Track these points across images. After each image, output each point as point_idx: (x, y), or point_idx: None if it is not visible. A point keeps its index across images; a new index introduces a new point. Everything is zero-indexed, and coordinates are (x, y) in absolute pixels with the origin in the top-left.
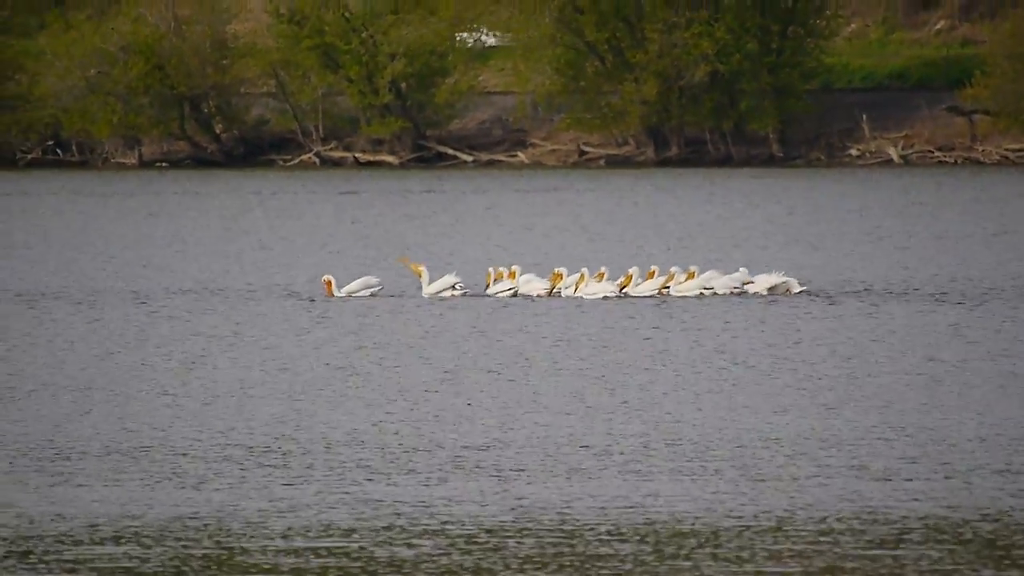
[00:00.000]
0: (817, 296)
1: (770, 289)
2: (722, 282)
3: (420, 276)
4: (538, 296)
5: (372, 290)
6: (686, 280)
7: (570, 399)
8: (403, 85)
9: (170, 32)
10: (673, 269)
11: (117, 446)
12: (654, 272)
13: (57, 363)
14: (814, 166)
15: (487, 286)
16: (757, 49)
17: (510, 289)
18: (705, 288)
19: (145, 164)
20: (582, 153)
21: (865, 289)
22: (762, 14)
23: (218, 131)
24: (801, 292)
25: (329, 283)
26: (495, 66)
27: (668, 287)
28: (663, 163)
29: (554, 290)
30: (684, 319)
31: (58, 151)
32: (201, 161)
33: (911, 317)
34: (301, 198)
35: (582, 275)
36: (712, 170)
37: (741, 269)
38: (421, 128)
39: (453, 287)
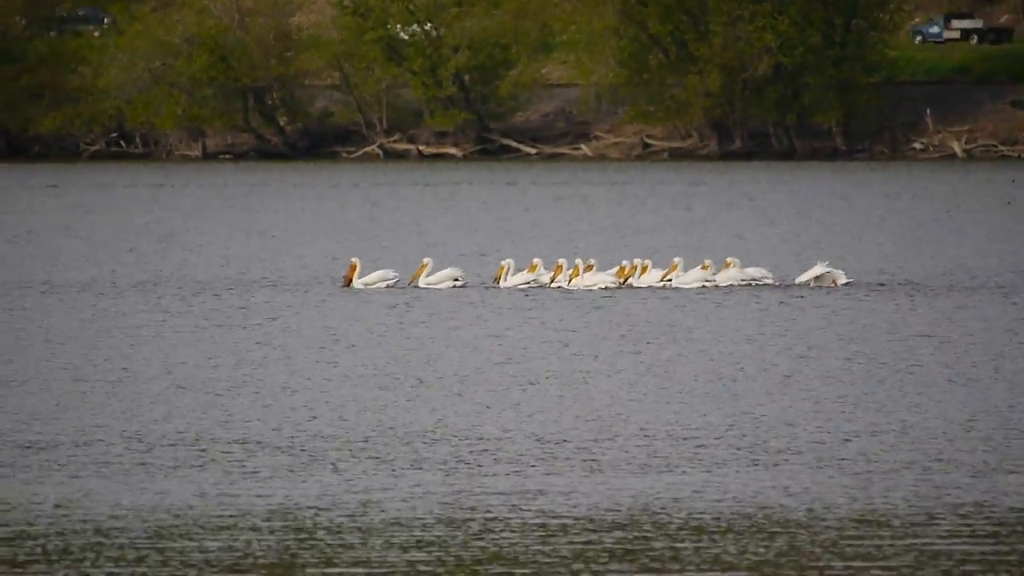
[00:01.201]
0: (862, 288)
1: (816, 280)
2: (727, 275)
3: (423, 268)
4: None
5: (388, 282)
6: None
7: (656, 390)
8: (466, 77)
9: (234, 24)
10: (676, 260)
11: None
12: (646, 266)
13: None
14: (877, 159)
15: (496, 279)
16: (820, 42)
17: (529, 282)
18: (707, 280)
19: (209, 156)
20: (646, 146)
21: (907, 281)
22: (825, 7)
23: (282, 123)
24: (847, 283)
25: (354, 267)
26: (559, 58)
27: (670, 279)
28: (726, 156)
29: (554, 282)
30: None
31: (122, 143)
32: (265, 153)
33: (966, 311)
34: (401, 189)
35: (576, 268)
36: (775, 163)
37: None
38: (485, 120)
39: (455, 280)
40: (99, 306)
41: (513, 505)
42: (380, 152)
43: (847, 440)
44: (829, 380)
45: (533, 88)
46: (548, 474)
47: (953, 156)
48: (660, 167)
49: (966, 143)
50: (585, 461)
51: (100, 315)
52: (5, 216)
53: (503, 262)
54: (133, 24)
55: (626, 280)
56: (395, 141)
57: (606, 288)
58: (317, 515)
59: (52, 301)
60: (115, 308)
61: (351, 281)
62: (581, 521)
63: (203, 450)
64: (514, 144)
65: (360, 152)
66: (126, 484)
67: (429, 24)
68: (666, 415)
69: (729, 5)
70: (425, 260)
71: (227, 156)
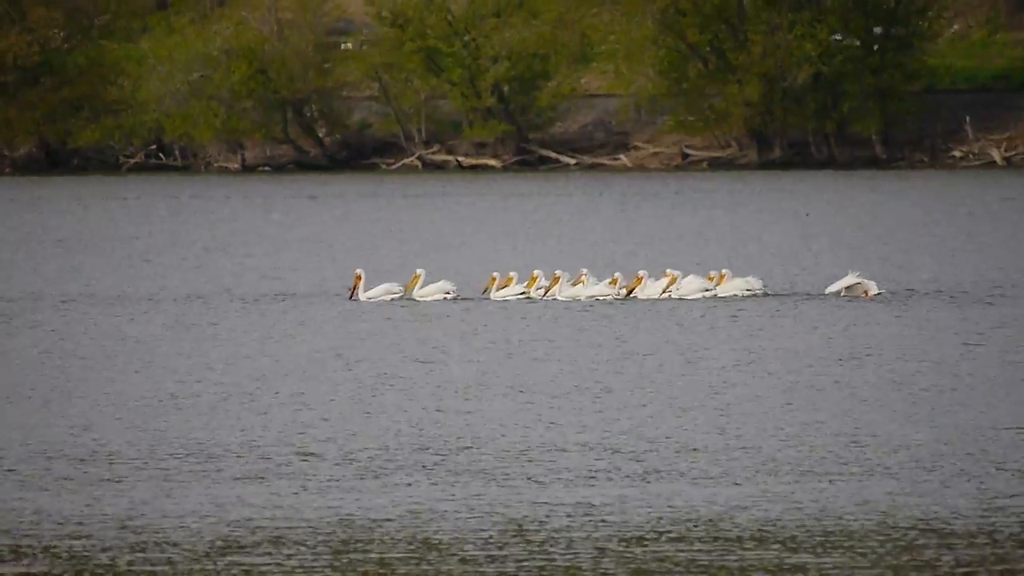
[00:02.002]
0: (893, 298)
1: (847, 290)
2: (733, 285)
3: (416, 280)
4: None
5: (393, 296)
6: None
7: (699, 400)
8: (505, 88)
9: (273, 36)
10: (673, 273)
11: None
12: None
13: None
14: (917, 168)
15: (485, 289)
16: (860, 51)
17: (522, 294)
18: (706, 291)
19: (248, 168)
20: (685, 156)
21: (939, 290)
22: (865, 15)
23: (321, 135)
24: (878, 294)
25: (359, 277)
26: (598, 68)
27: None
28: (766, 165)
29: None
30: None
31: (161, 155)
32: (304, 165)
33: (997, 320)
34: (438, 200)
35: (556, 277)
36: (815, 172)
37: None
38: (524, 131)
39: (446, 293)
40: (143, 318)
41: (569, 516)
42: (419, 163)
43: (899, 449)
44: (876, 389)
45: (572, 99)
46: (595, 484)
47: (993, 164)
48: (699, 177)
49: (1006, 151)
50: (637, 472)
51: (147, 327)
52: (50, 228)
53: (493, 273)
54: (171, 36)
55: (630, 292)
56: (434, 152)
57: (601, 299)
58: (373, 528)
59: (98, 313)
60: (160, 320)
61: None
62: (638, 532)
63: (249, 461)
64: (553, 155)
65: (399, 164)
66: (186, 495)
67: (468, 35)
68: (713, 425)
69: (768, 14)
70: (417, 271)
71: (266, 168)
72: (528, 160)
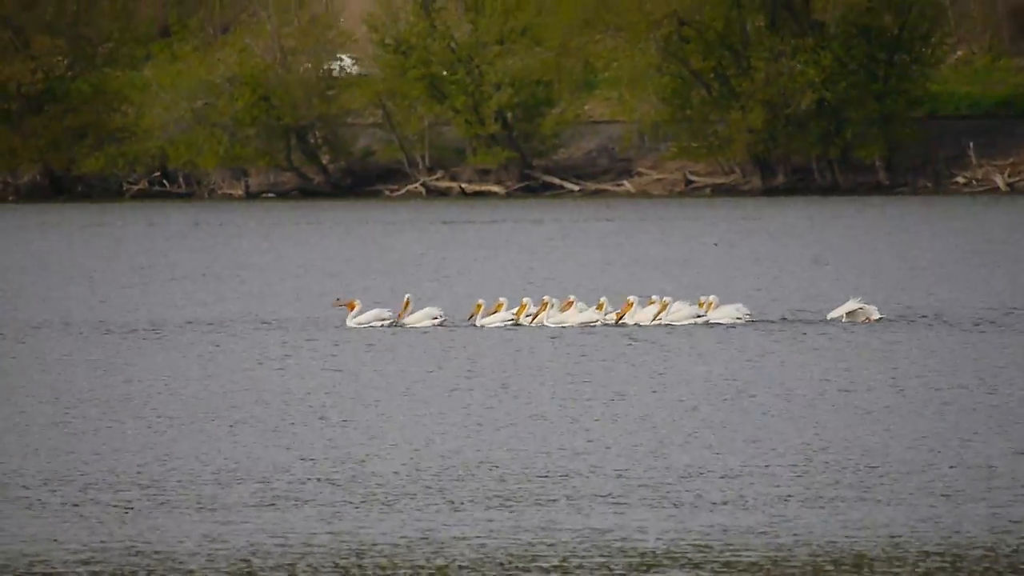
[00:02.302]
0: (894, 323)
1: (849, 315)
2: (723, 311)
3: (352, 309)
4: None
5: (384, 322)
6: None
7: (715, 425)
8: (509, 115)
9: (276, 63)
10: (664, 299)
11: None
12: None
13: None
14: (921, 194)
15: (471, 316)
16: (863, 77)
17: (510, 320)
18: (697, 317)
19: (251, 195)
20: (688, 182)
21: (941, 316)
22: (868, 42)
23: (325, 162)
24: (879, 319)
25: (352, 305)
26: (601, 95)
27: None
28: (769, 192)
29: (520, 320)
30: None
31: (164, 182)
32: (308, 192)
33: (999, 347)
34: (441, 227)
35: (544, 303)
36: (819, 198)
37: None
38: (527, 158)
39: (434, 318)
40: (147, 345)
41: (586, 540)
42: (423, 190)
43: (911, 475)
44: (883, 413)
45: (575, 125)
46: (620, 510)
47: (996, 190)
48: (702, 203)
49: (1009, 176)
50: (655, 497)
51: (152, 354)
52: (58, 256)
53: (479, 300)
54: (175, 63)
55: (620, 318)
56: (438, 179)
57: (591, 325)
58: (395, 553)
59: (112, 340)
60: (174, 347)
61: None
62: (658, 557)
63: (270, 486)
64: (557, 181)
65: (403, 190)
66: (197, 521)
67: (471, 62)
68: (729, 450)
69: (771, 40)
70: (407, 296)
71: (270, 195)
72: (532, 186)
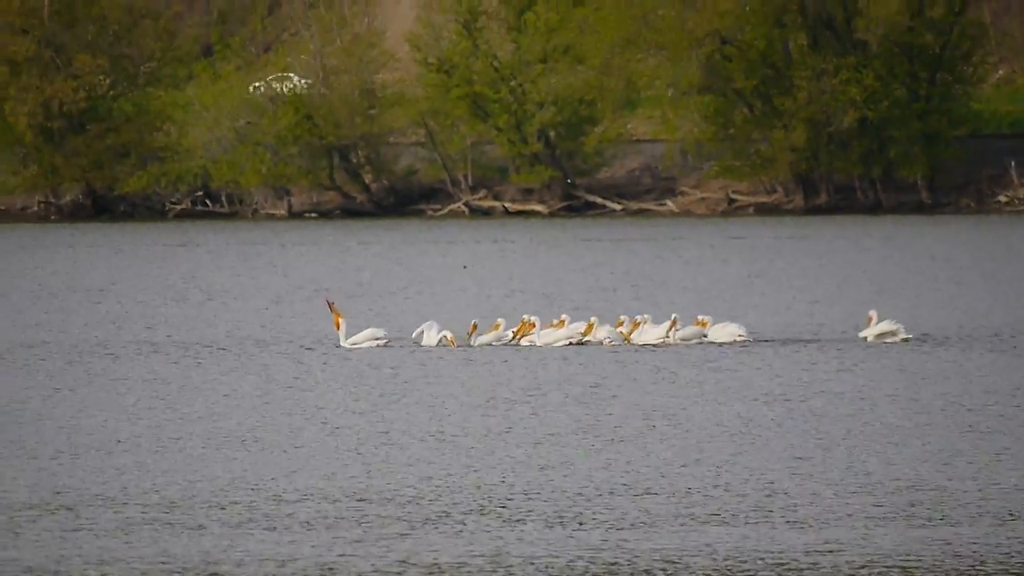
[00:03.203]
0: (922, 343)
1: (878, 336)
2: (727, 331)
3: (338, 326)
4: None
5: (378, 342)
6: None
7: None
8: (552, 134)
9: (319, 82)
10: (643, 317)
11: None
12: (636, 322)
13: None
14: (963, 213)
15: (469, 335)
16: (905, 95)
17: (502, 339)
18: (703, 336)
19: (294, 215)
20: (731, 201)
21: (967, 336)
22: (910, 61)
23: (367, 181)
24: (906, 339)
25: (337, 323)
26: (643, 114)
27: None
28: (812, 210)
29: (520, 338)
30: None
31: (207, 202)
32: (350, 211)
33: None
34: (485, 246)
35: (528, 322)
36: (861, 217)
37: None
38: (570, 177)
39: (377, 339)
40: (192, 364)
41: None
42: (465, 209)
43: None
44: (917, 433)
45: (618, 144)
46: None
47: None
48: (745, 222)
49: None
50: (689, 515)
51: (195, 372)
52: (97, 274)
53: (474, 321)
54: (217, 83)
55: (629, 336)
56: (480, 198)
57: (569, 343)
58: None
59: (159, 360)
60: (209, 365)
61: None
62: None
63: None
64: (600, 200)
65: (445, 209)
66: (251, 541)
67: (514, 80)
68: (769, 469)
69: (814, 59)
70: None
71: (312, 215)
72: (574, 206)
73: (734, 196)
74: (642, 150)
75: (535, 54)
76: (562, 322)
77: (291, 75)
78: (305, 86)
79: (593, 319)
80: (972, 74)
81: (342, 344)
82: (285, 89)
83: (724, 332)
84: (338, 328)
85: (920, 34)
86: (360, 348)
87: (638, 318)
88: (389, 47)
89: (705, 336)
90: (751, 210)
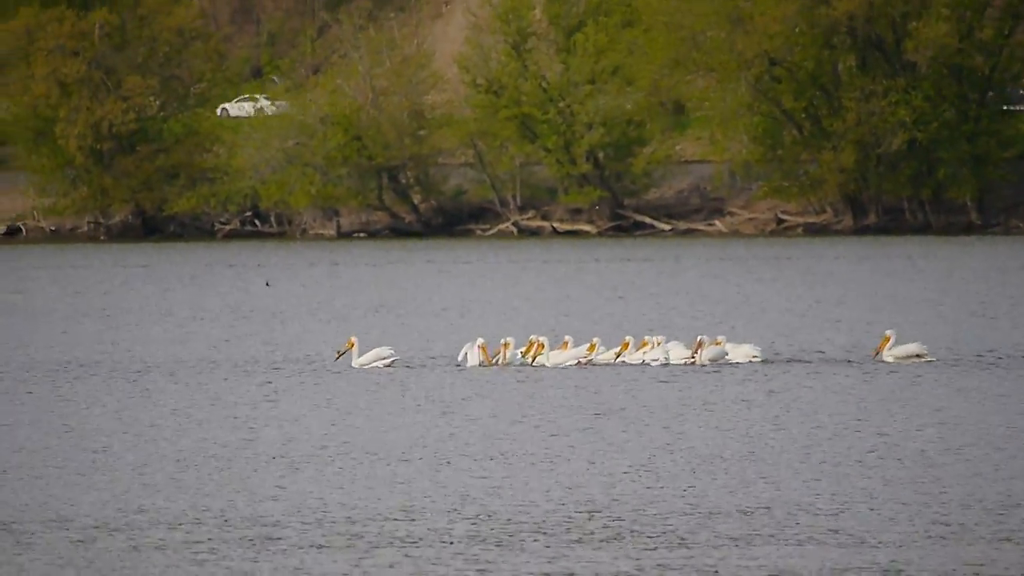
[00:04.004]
0: (950, 366)
1: (903, 357)
2: (741, 351)
3: (351, 347)
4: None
5: (385, 361)
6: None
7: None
8: (600, 154)
9: (368, 103)
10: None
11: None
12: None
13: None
14: (1012, 234)
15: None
16: (955, 117)
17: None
18: (725, 356)
19: (343, 235)
20: (779, 221)
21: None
22: (959, 82)
23: (416, 201)
24: (929, 360)
25: (351, 344)
26: (692, 135)
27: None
28: (861, 231)
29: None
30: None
31: (256, 222)
32: (399, 231)
33: None
34: (534, 265)
35: (537, 344)
36: (910, 238)
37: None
38: (619, 197)
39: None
40: (236, 383)
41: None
42: (514, 229)
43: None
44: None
45: (667, 165)
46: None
47: None
48: (794, 243)
49: None
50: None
51: (240, 392)
52: (150, 295)
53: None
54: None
55: (618, 356)
56: (529, 218)
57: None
58: None
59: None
60: (252, 384)
61: (342, 356)
62: None
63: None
64: (648, 220)
65: (494, 229)
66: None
67: (563, 101)
68: (797, 488)
69: (862, 80)
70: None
71: (361, 235)
72: (623, 226)
73: (783, 216)
74: (691, 171)
75: (584, 75)
76: (565, 344)
77: (258, 97)
78: (276, 109)
79: (596, 339)
80: (1022, 96)
81: (353, 364)
82: (252, 111)
83: (739, 352)
84: (351, 347)
85: (969, 56)
86: (372, 367)
87: (654, 338)
88: (438, 68)
89: (726, 355)
90: (800, 231)
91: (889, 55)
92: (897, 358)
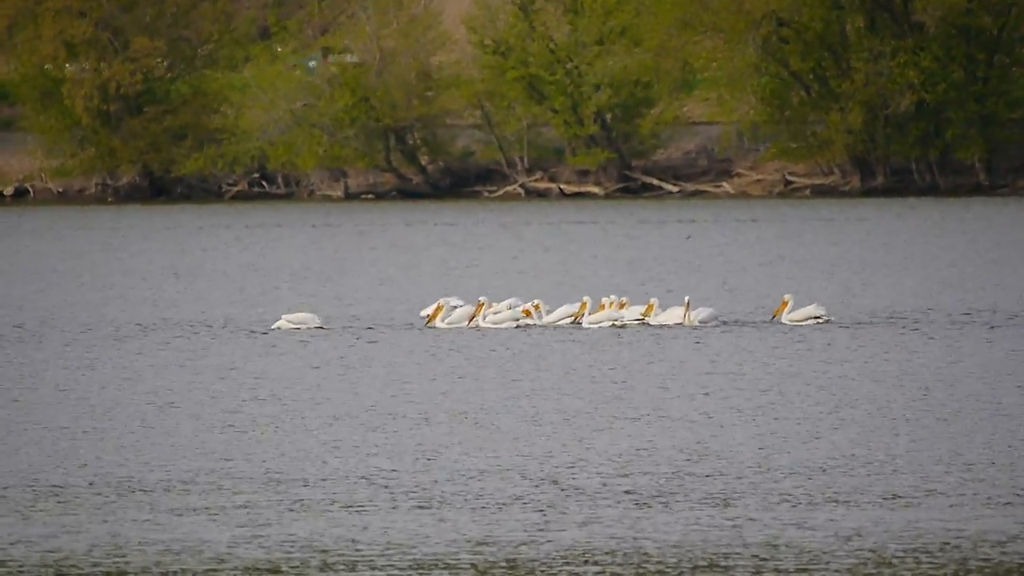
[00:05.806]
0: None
1: (799, 320)
2: (693, 314)
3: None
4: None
5: (309, 325)
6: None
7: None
8: (608, 116)
9: (375, 64)
10: (611, 299)
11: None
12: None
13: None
14: (1020, 194)
15: (471, 318)
16: (963, 78)
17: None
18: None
19: (351, 196)
20: (787, 183)
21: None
22: (967, 43)
23: (423, 163)
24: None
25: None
26: (700, 96)
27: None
28: (869, 192)
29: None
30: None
31: (263, 184)
32: (406, 193)
33: None
34: (542, 227)
35: (537, 305)
36: (918, 199)
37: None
38: (626, 158)
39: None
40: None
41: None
42: (521, 191)
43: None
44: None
45: (674, 126)
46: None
47: None
48: (802, 204)
49: None
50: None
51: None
52: (156, 256)
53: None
54: (274, 64)
55: (643, 318)
56: (536, 180)
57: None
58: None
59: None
60: (256, 346)
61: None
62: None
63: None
64: (656, 182)
65: (501, 191)
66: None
67: (570, 63)
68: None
69: (870, 41)
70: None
71: (369, 196)
72: (630, 187)
73: (790, 178)
74: (698, 132)
75: (591, 36)
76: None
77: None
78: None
79: (586, 299)
80: None
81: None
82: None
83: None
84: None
85: (978, 16)
86: (295, 329)
87: (653, 300)
88: (445, 29)
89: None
90: (807, 192)
91: (897, 16)
92: (794, 321)
